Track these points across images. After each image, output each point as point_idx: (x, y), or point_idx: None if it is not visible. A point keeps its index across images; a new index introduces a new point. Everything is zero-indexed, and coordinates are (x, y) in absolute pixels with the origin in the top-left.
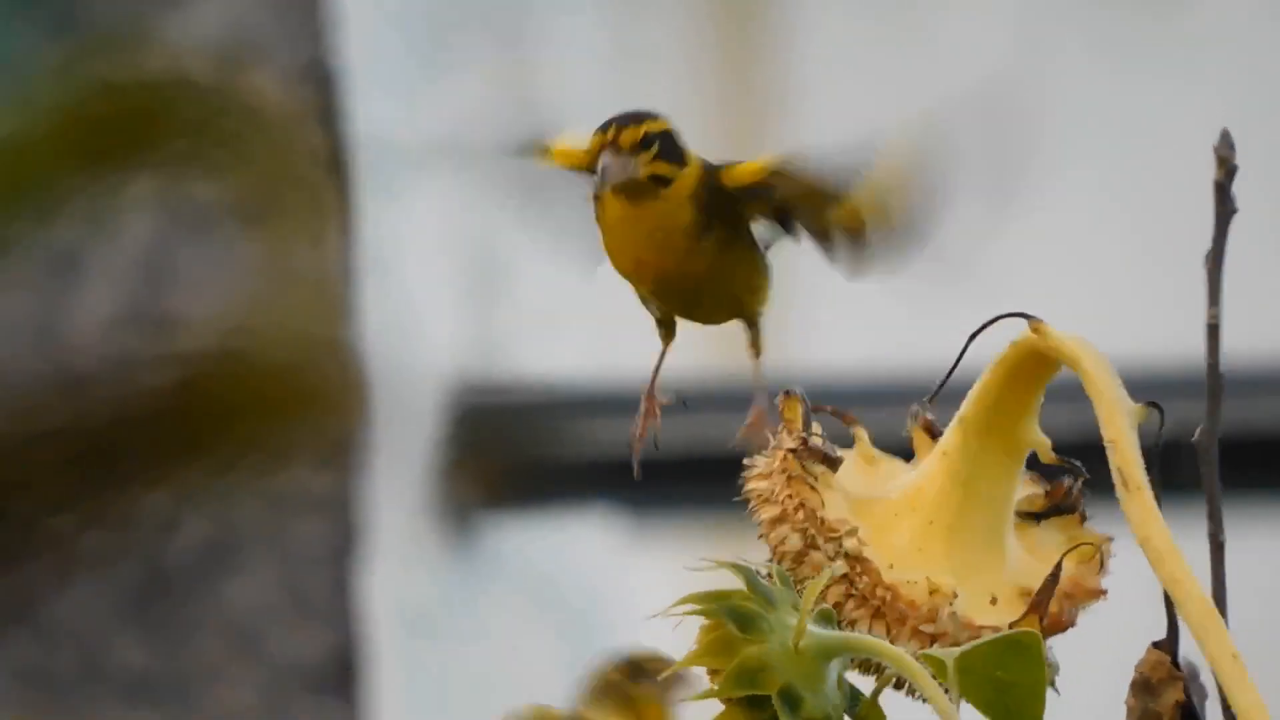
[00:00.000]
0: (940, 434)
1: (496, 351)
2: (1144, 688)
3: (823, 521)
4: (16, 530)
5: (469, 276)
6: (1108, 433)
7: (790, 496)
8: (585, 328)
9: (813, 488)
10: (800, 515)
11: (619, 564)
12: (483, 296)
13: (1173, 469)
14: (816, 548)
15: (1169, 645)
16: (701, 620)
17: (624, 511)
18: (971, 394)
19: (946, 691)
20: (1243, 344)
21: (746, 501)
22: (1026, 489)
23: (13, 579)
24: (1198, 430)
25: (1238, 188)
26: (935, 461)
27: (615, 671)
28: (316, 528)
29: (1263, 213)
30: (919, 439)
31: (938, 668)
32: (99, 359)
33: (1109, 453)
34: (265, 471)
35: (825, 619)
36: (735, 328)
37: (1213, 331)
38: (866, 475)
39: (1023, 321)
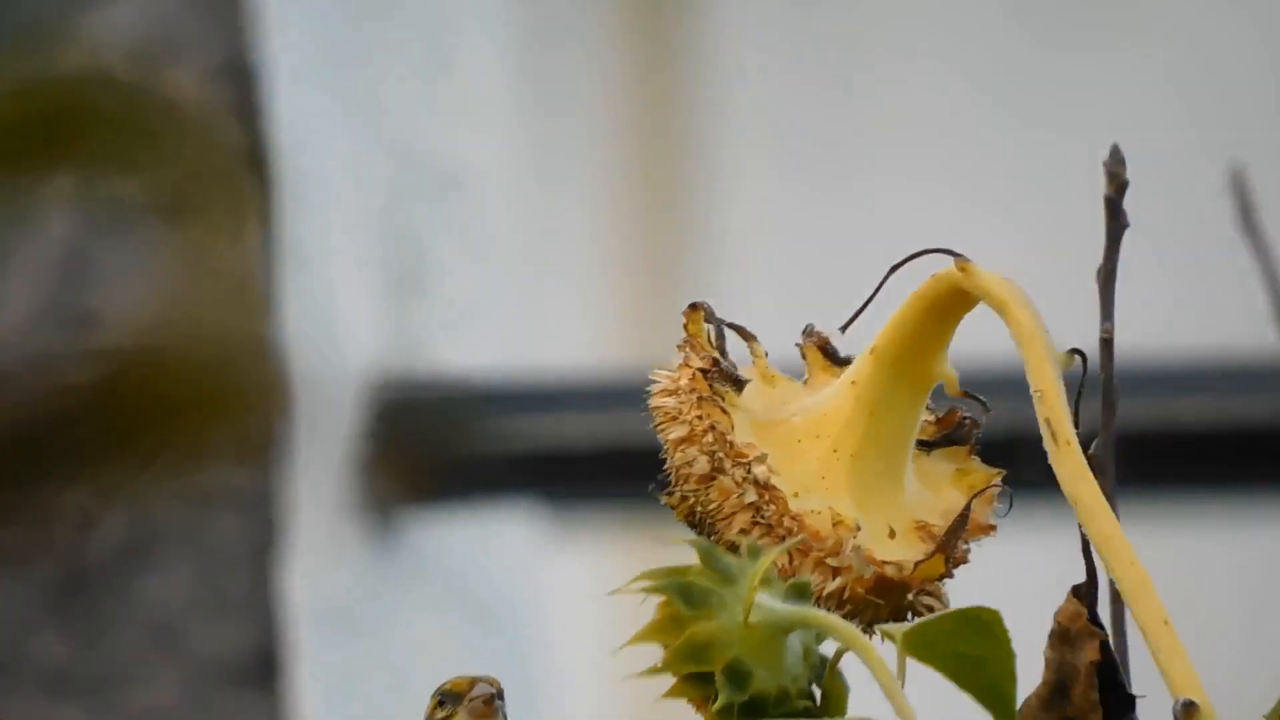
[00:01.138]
0: (835, 355)
1: (417, 347)
2: (1062, 639)
3: (732, 445)
4: None
5: (389, 273)
6: (1035, 382)
7: (700, 418)
8: (506, 323)
9: (723, 410)
10: (709, 438)
11: (541, 560)
12: (403, 293)
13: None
14: (724, 472)
15: (1087, 596)
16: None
17: (546, 507)
18: (888, 325)
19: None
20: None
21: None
22: (921, 416)
23: None
24: (1093, 444)
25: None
26: (843, 388)
27: (431, 701)
28: (236, 524)
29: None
30: (813, 358)
31: (891, 640)
32: (17, 356)
33: (1036, 404)
34: (185, 468)
35: (797, 592)
36: (663, 317)
37: (1106, 345)
38: (765, 395)
39: (947, 260)
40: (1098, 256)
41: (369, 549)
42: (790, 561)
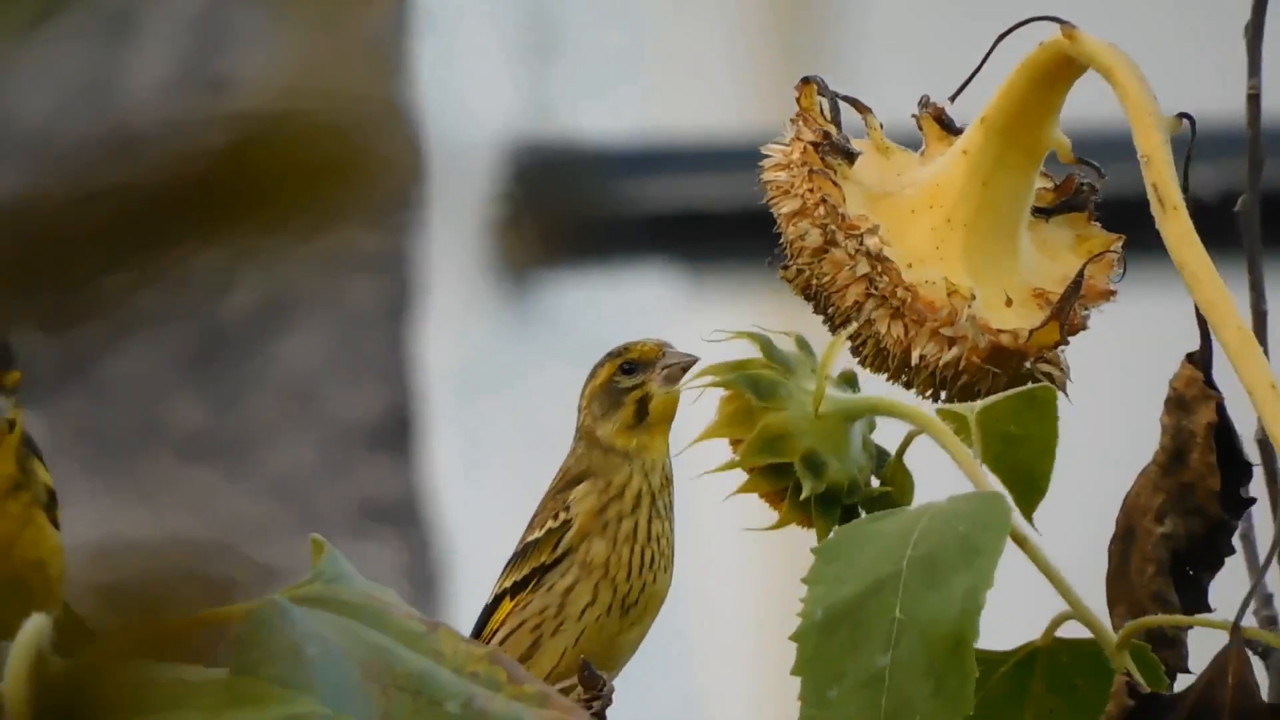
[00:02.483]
0: (951, 125)
1: (552, 110)
2: (1178, 405)
3: (843, 218)
4: (71, 290)
5: (524, 35)
6: (1142, 146)
7: (811, 191)
8: (641, 85)
9: (834, 183)
10: (821, 211)
11: (676, 320)
12: (538, 55)
13: (1219, 234)
14: (836, 244)
15: (1202, 361)
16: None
17: (679, 268)
18: (996, 94)
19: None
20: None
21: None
22: (1038, 184)
23: (68, 339)
24: (1239, 200)
25: None
26: (954, 159)
27: (609, 367)
28: (371, 287)
29: None
30: (929, 129)
31: (959, 423)
32: (151, 119)
33: (1143, 168)
34: (320, 231)
35: (847, 382)
36: (809, 61)
37: (1253, 101)
38: (880, 167)
39: (1054, 28)
40: (1245, 13)
41: (503, 311)
42: (905, 333)
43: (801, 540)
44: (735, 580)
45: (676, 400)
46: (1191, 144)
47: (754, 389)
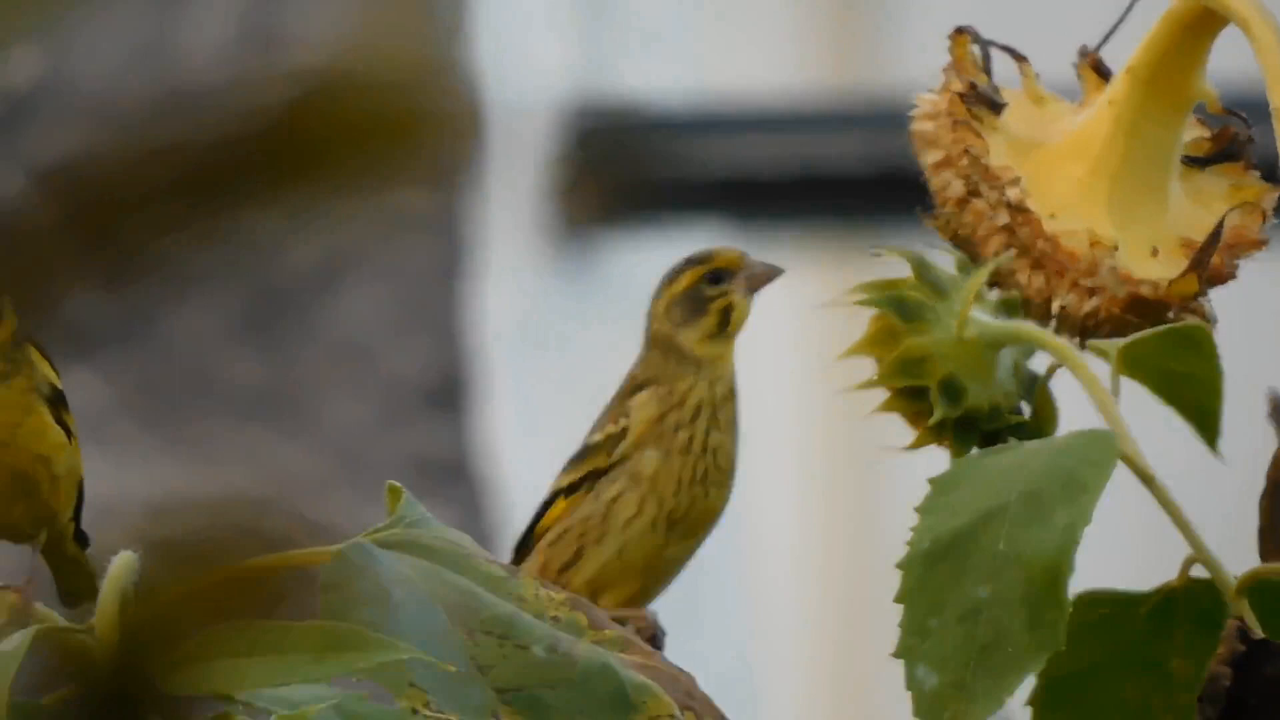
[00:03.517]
0: (1108, 73)
1: (608, 71)
2: None
3: (987, 169)
4: (128, 248)
5: None
6: (1276, 99)
7: (955, 141)
8: (698, 46)
9: (978, 134)
10: (965, 161)
11: None
12: (593, 16)
13: None
14: (979, 194)
15: None
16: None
17: (735, 230)
18: (1141, 45)
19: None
20: None
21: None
22: (1193, 132)
23: (126, 297)
24: None
25: None
26: (1100, 110)
27: (691, 274)
28: (426, 246)
29: None
30: (1087, 77)
31: (1105, 356)
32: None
33: (1275, 122)
34: (377, 191)
35: (1006, 308)
36: (860, 39)
37: None
38: (1033, 116)
39: None
40: None
41: (559, 271)
42: (1046, 283)
43: (866, 482)
44: (815, 522)
45: (750, 310)
46: None
47: (899, 310)
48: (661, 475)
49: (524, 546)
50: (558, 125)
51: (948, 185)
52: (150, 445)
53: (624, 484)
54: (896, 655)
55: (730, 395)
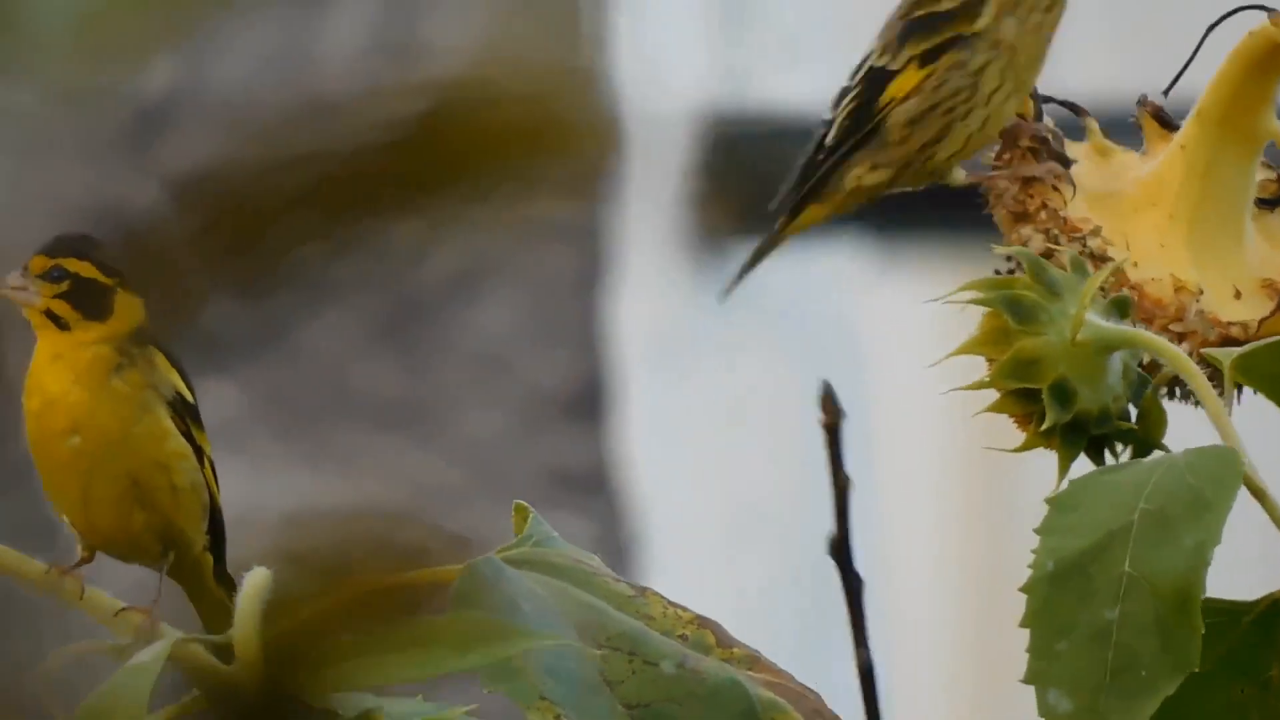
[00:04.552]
0: (1170, 122)
1: (747, 80)
2: None
3: (1065, 221)
4: (268, 257)
5: (719, 3)
6: None
7: (1031, 196)
8: (836, 54)
9: (1054, 187)
10: (1043, 215)
11: (867, 290)
12: (733, 25)
13: None
14: (1059, 247)
15: None
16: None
17: (872, 238)
18: (1209, 87)
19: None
20: None
21: (985, 200)
22: (1260, 175)
23: (262, 306)
24: None
25: None
26: (1172, 155)
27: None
28: (565, 256)
29: None
30: (1148, 126)
31: (1218, 365)
32: (347, 87)
33: None
34: (514, 201)
35: (1118, 308)
36: None
37: None
38: (1100, 168)
39: (1262, 15)
40: None
41: (696, 280)
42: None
43: (1003, 499)
44: (943, 537)
45: None
46: None
47: (1013, 310)
48: (1020, 47)
49: (863, 120)
50: (696, 134)
51: (1028, 240)
52: (286, 456)
53: (988, 54)
54: (1026, 681)
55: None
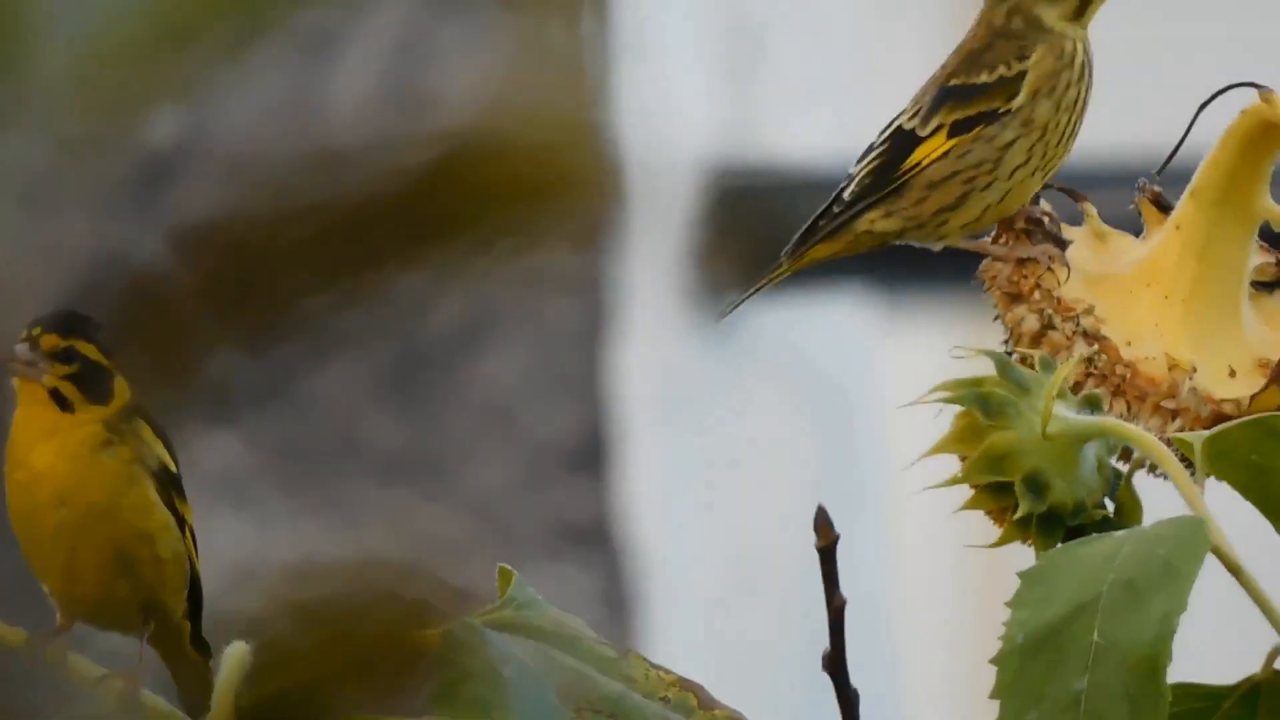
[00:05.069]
0: (1168, 206)
1: (752, 132)
2: None
3: (1059, 301)
4: (273, 308)
5: (724, 58)
6: None
7: (1026, 276)
8: (841, 106)
9: (1049, 268)
10: (1037, 295)
11: (874, 344)
12: (738, 77)
13: None
14: (1054, 327)
15: None
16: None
17: (880, 292)
18: (1203, 166)
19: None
20: None
21: (982, 281)
22: (1258, 258)
23: (270, 357)
24: None
25: None
26: (1168, 235)
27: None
28: (570, 308)
29: None
30: (1147, 211)
31: (1188, 450)
32: (354, 137)
33: None
34: (520, 252)
35: (1089, 404)
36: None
37: None
38: (1097, 251)
39: (1253, 92)
40: None
41: (701, 333)
42: (1128, 409)
43: (1009, 562)
44: (944, 597)
45: None
46: None
47: (983, 407)
48: (1050, 127)
49: (884, 180)
50: (700, 186)
51: (1021, 320)
52: (291, 507)
53: (1017, 130)
54: None
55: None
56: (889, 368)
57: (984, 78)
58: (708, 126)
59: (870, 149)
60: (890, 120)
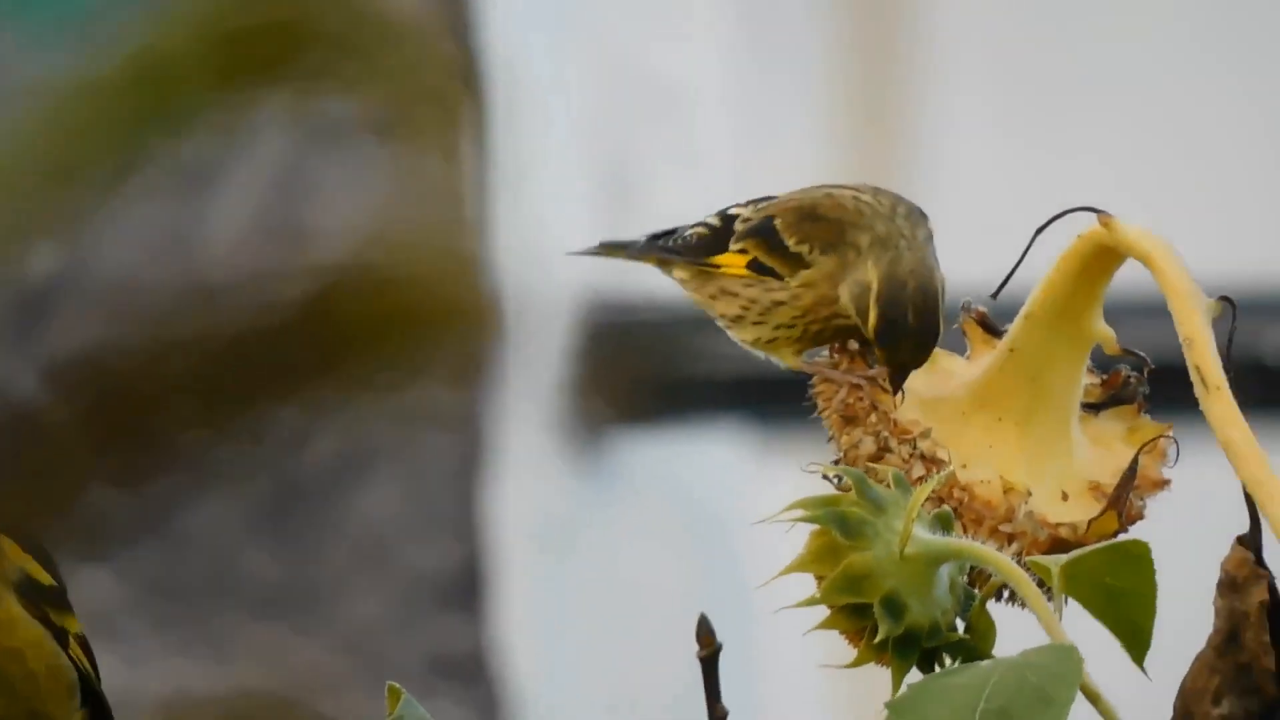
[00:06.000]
0: (994, 328)
1: (629, 266)
2: (1230, 586)
3: (895, 423)
4: (149, 443)
5: (601, 191)
6: (1183, 330)
7: (861, 399)
8: None
9: (884, 389)
10: (873, 418)
11: (748, 479)
12: (615, 210)
13: (1254, 389)
14: (890, 450)
15: (1252, 542)
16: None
17: (754, 427)
18: (1038, 288)
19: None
20: None
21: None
22: (1086, 379)
23: (145, 492)
24: None
25: None
26: (1001, 357)
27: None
28: (445, 443)
29: None
30: (972, 332)
31: (1045, 574)
32: (232, 271)
33: (1185, 351)
34: (396, 386)
35: (942, 523)
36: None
37: None
38: (928, 373)
39: (1091, 218)
40: None
41: (577, 469)
42: (965, 530)
43: (882, 678)
44: (816, 714)
45: None
46: (1233, 325)
47: (840, 527)
48: (814, 318)
49: (698, 258)
50: (578, 320)
51: (858, 443)
52: (165, 643)
53: (788, 298)
54: None
55: None
56: (763, 497)
57: (791, 242)
58: (584, 261)
59: (708, 216)
60: (730, 205)
